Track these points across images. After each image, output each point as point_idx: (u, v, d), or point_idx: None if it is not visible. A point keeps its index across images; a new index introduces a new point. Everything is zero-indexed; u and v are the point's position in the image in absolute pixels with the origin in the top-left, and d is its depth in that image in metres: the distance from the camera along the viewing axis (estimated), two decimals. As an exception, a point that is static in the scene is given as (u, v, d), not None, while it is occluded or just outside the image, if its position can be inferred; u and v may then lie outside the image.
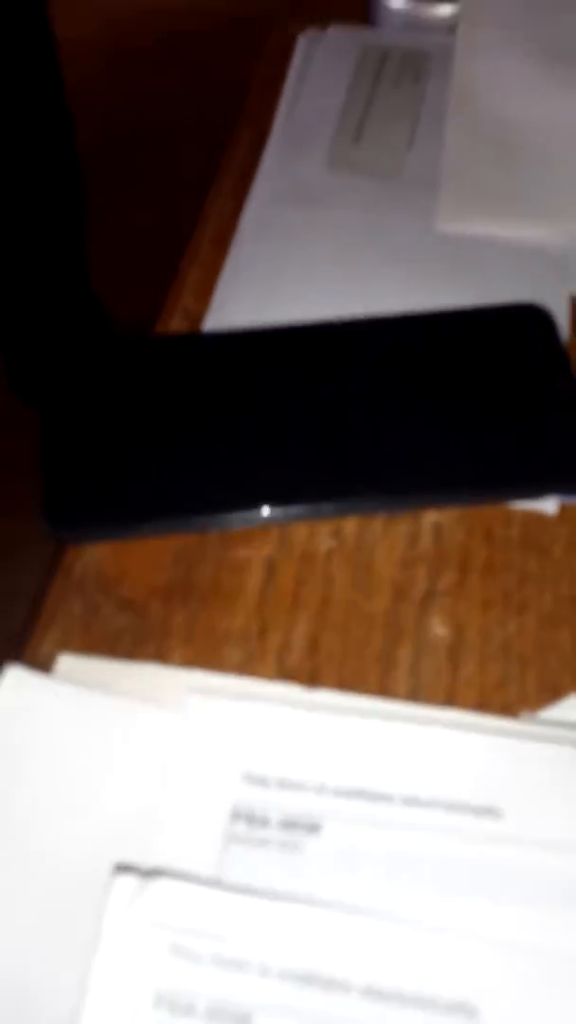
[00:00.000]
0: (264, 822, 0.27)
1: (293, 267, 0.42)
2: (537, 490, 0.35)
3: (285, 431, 0.36)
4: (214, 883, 0.26)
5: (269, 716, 0.29)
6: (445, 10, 0.53)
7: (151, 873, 0.25)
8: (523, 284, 0.41)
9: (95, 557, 0.34)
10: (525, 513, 0.34)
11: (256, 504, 0.34)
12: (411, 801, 0.27)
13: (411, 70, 0.51)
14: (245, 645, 0.31)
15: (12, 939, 0.25)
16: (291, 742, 0.28)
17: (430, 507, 0.35)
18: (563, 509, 0.34)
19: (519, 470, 0.35)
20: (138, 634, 0.32)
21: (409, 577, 0.33)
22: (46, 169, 1.03)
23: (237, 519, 0.34)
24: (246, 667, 0.31)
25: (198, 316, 0.41)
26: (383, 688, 0.30)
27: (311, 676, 0.30)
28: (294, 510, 0.34)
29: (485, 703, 0.30)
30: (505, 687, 0.30)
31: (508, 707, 0.30)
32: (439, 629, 0.32)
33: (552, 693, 0.30)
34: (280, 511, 0.34)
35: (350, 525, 0.34)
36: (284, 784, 0.27)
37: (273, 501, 0.34)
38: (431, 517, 0.34)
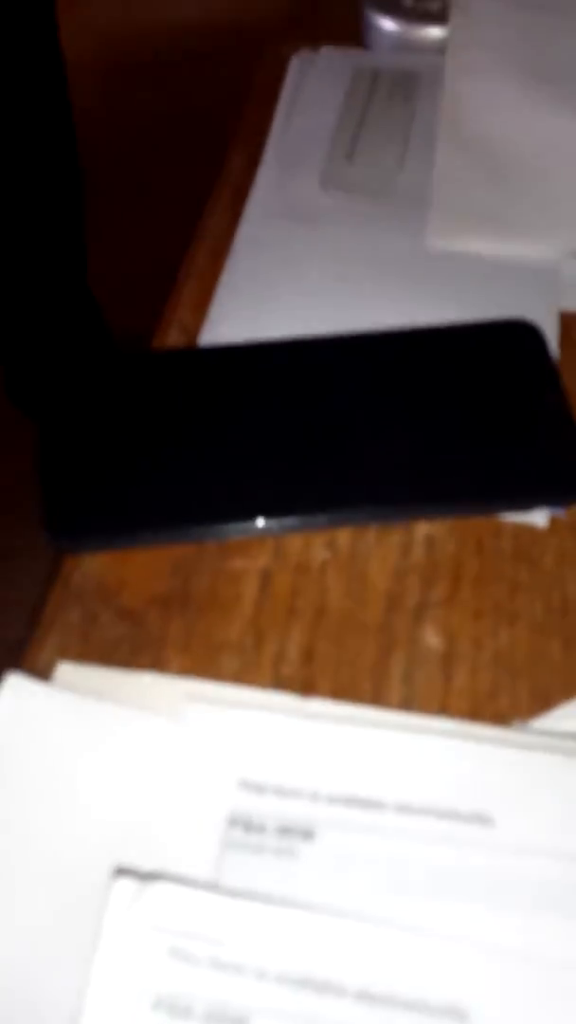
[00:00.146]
0: (260, 828, 0.27)
1: (287, 283, 0.43)
2: (527, 502, 0.35)
3: (280, 444, 0.36)
4: (212, 888, 0.26)
5: (265, 724, 0.29)
6: (435, 33, 0.54)
7: (150, 876, 0.26)
8: (512, 300, 0.42)
9: (94, 567, 0.34)
10: (516, 525, 0.35)
11: (252, 515, 0.34)
12: (404, 808, 0.27)
13: (402, 91, 0.52)
14: (241, 654, 0.32)
15: (12, 942, 0.25)
16: (286, 750, 0.29)
17: (422, 519, 0.35)
18: (553, 521, 0.35)
19: (509, 483, 0.35)
20: (136, 643, 0.32)
21: (402, 588, 0.33)
22: (49, 181, 1.04)
23: (233, 530, 0.34)
24: (242, 676, 0.31)
25: (194, 330, 0.41)
26: (377, 697, 0.31)
27: (306, 685, 0.31)
28: (289, 521, 0.35)
29: (477, 712, 0.30)
30: (497, 696, 0.31)
31: (500, 716, 0.30)
32: (432, 639, 0.32)
33: (543, 702, 0.30)
34: (275, 522, 0.34)
35: (344, 537, 0.35)
36: (280, 791, 0.28)
37: (269, 512, 0.34)
38: (423, 529, 0.35)
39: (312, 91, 0.52)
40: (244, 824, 0.27)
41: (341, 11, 0.56)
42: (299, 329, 0.40)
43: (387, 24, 0.54)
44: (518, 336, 0.39)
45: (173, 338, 0.41)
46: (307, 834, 0.27)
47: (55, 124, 1.01)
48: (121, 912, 0.25)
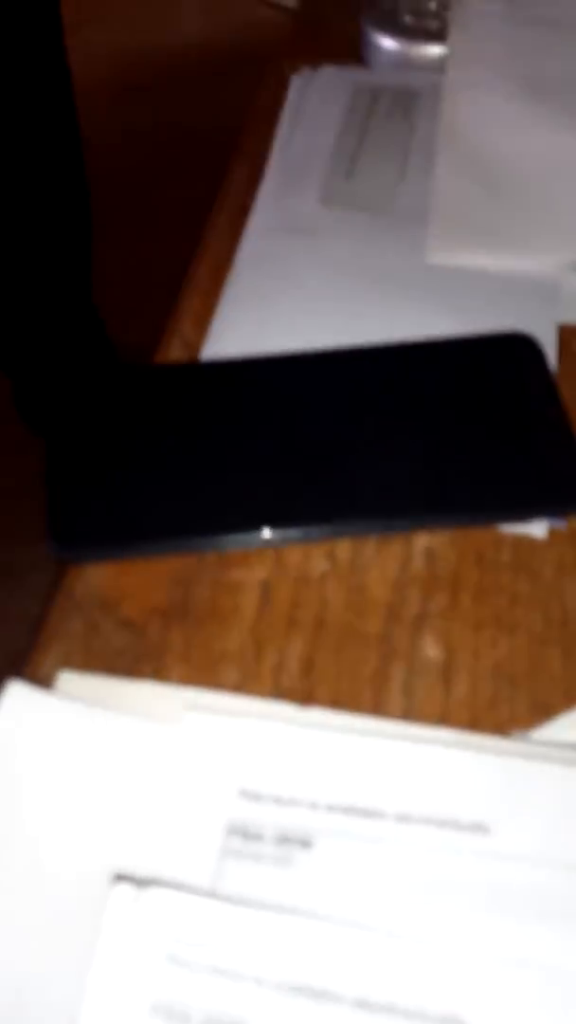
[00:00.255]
0: (259, 837, 0.27)
1: (288, 298, 0.43)
2: (526, 514, 0.35)
3: (281, 456, 0.37)
4: (210, 895, 0.26)
5: (265, 733, 0.29)
6: (434, 50, 0.54)
7: (149, 883, 0.26)
8: (511, 314, 0.42)
9: (96, 577, 0.34)
10: (515, 537, 0.35)
11: (252, 526, 0.35)
12: (402, 817, 0.28)
13: (401, 108, 0.53)
14: (241, 665, 0.32)
15: (12, 949, 0.26)
16: (286, 759, 0.29)
17: (422, 530, 0.35)
18: (552, 533, 0.35)
19: (508, 494, 0.36)
20: (137, 653, 0.32)
21: (402, 599, 0.34)
22: (57, 197, 1.05)
23: (234, 541, 0.35)
24: (242, 686, 0.31)
25: (196, 345, 0.42)
26: (377, 707, 0.31)
27: (306, 696, 0.31)
28: (289, 532, 0.35)
29: (477, 723, 0.30)
30: (497, 707, 0.31)
31: (500, 727, 0.30)
32: (431, 650, 0.32)
33: (543, 713, 0.31)
34: (276, 533, 0.35)
35: (344, 548, 0.35)
36: (279, 800, 0.28)
37: (269, 523, 0.35)
38: (423, 541, 0.35)
39: (313, 108, 0.53)
40: (243, 832, 0.27)
41: (341, 29, 0.57)
42: (300, 343, 0.40)
43: (387, 42, 0.55)
44: (517, 349, 0.40)
45: (175, 352, 0.42)
46: (305, 843, 0.27)
47: (63, 142, 1.02)
48: (119, 917, 0.25)
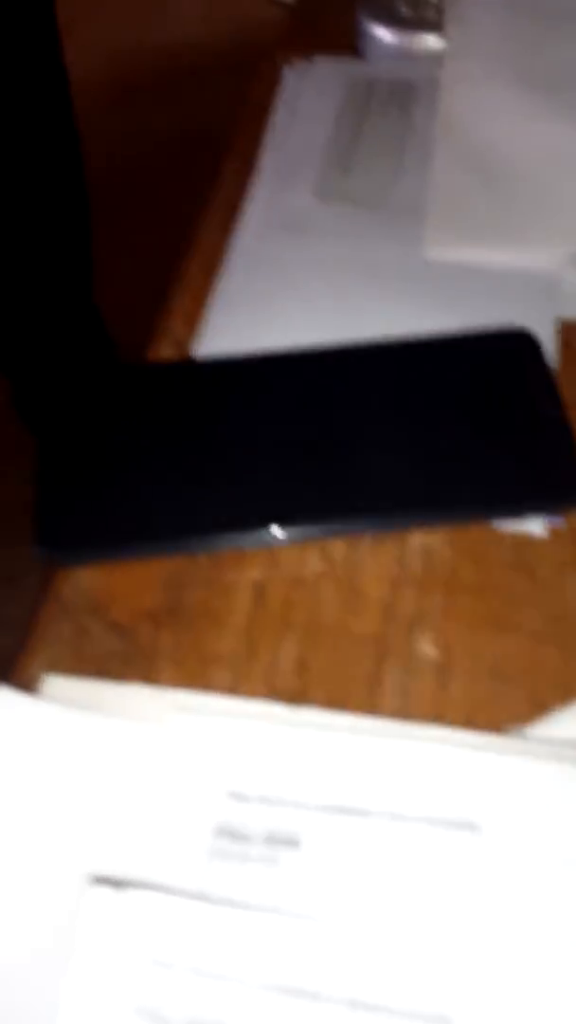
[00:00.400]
0: (248, 838, 0.27)
1: (283, 295, 0.43)
2: (524, 511, 0.35)
3: (275, 455, 0.36)
4: (198, 897, 0.26)
5: (253, 734, 0.29)
6: (431, 42, 0.54)
7: (127, 884, 0.25)
8: (510, 309, 0.41)
9: (85, 580, 0.34)
10: (513, 535, 0.35)
11: (246, 527, 0.34)
12: (391, 816, 0.27)
13: (398, 100, 0.52)
14: (234, 667, 0.31)
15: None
16: (275, 760, 0.28)
17: (419, 526, 0.35)
18: (550, 530, 0.35)
19: (506, 491, 0.35)
20: (127, 656, 0.32)
21: (397, 598, 0.33)
22: (57, 195, 1.04)
23: (227, 542, 0.34)
24: (235, 688, 0.31)
25: (187, 343, 0.41)
26: (371, 707, 0.30)
27: (300, 697, 0.31)
28: (284, 532, 0.34)
29: (472, 722, 0.30)
30: (493, 705, 0.30)
31: (495, 725, 0.30)
32: (427, 649, 0.32)
33: (539, 711, 0.30)
34: (270, 533, 0.34)
35: (339, 547, 0.35)
36: (267, 801, 0.27)
37: (263, 524, 0.34)
38: (419, 539, 0.35)
39: (308, 102, 0.52)
40: (231, 834, 0.27)
41: (337, 21, 0.56)
42: (295, 340, 0.40)
43: (383, 34, 0.54)
44: (515, 345, 0.39)
45: (166, 351, 0.41)
46: (294, 843, 0.27)
47: (61, 141, 1.02)
48: (97, 919, 0.25)
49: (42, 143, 1.00)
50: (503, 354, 0.39)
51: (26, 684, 0.30)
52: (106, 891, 0.25)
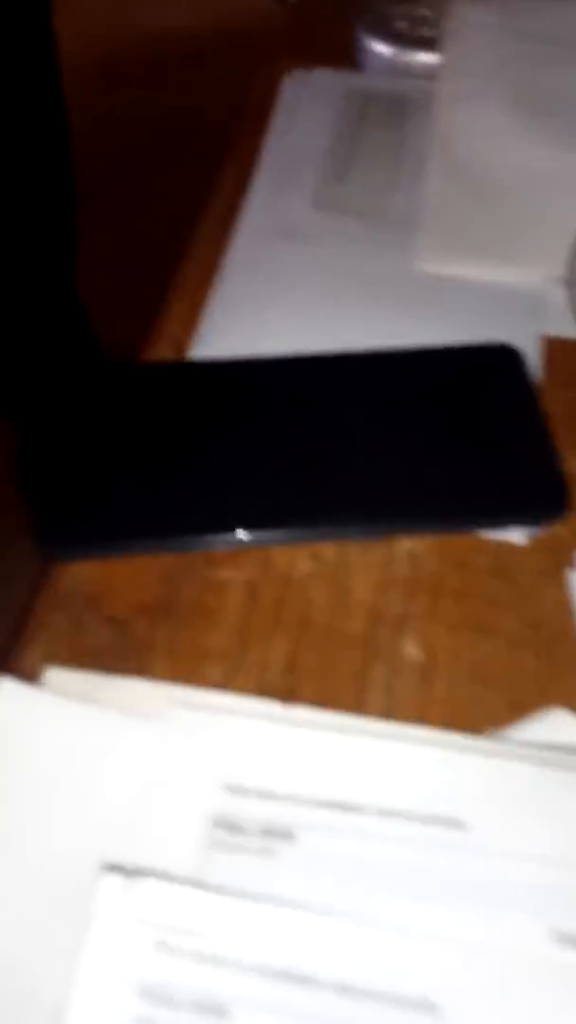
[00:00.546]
0: (243, 830, 0.28)
1: (277, 301, 0.44)
2: (505, 522, 0.36)
3: (266, 458, 0.37)
4: (196, 885, 0.27)
5: (248, 729, 0.30)
6: (427, 58, 0.55)
7: (137, 873, 0.27)
8: (498, 324, 0.43)
9: (82, 574, 0.35)
10: (496, 543, 0.36)
11: (238, 527, 0.35)
12: (381, 812, 0.28)
13: (394, 114, 0.53)
14: (226, 662, 0.32)
15: (4, 935, 0.26)
16: (270, 755, 0.29)
17: (403, 534, 0.36)
18: (531, 539, 0.36)
19: (488, 501, 0.36)
20: (122, 650, 0.33)
21: (384, 601, 0.34)
22: (41, 184, 1.04)
23: (220, 541, 0.35)
24: (227, 683, 0.32)
25: (184, 345, 0.42)
26: (358, 706, 0.31)
27: (289, 693, 0.32)
28: (275, 534, 0.35)
29: (454, 721, 0.31)
30: (473, 706, 0.32)
31: (476, 725, 0.31)
32: (412, 650, 0.33)
33: (518, 712, 0.31)
34: (261, 534, 0.35)
35: (329, 550, 0.36)
36: (263, 794, 0.29)
37: (254, 525, 0.35)
38: (406, 544, 0.36)
39: (305, 111, 0.53)
40: (228, 825, 0.28)
41: (336, 32, 0.57)
42: (287, 346, 0.41)
43: (380, 48, 0.55)
44: (500, 359, 0.40)
45: (163, 352, 0.42)
46: (288, 836, 0.28)
47: (49, 129, 1.02)
48: (109, 905, 0.26)
49: (29, 130, 1.00)
50: (487, 368, 0.40)
51: (24, 675, 0.31)
52: (117, 879, 0.26)
